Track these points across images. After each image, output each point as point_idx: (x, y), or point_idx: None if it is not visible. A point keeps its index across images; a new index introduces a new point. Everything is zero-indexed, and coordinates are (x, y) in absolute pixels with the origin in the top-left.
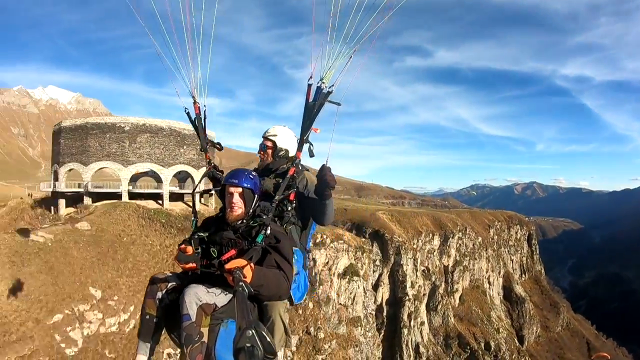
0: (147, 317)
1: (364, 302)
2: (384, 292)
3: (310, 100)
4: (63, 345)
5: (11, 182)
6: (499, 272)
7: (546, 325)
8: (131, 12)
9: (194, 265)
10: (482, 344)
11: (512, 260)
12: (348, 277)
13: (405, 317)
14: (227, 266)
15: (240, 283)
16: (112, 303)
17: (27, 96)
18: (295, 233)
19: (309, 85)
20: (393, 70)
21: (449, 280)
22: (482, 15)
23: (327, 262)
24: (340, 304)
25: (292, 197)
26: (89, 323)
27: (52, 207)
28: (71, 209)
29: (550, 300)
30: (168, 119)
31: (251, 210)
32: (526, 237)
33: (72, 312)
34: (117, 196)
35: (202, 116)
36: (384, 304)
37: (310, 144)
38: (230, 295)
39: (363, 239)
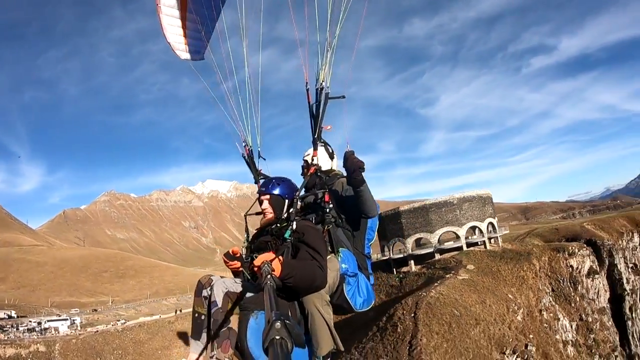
0: (196, 315)
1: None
2: (605, 292)
3: (312, 102)
4: None
5: (197, 268)
6: None
7: None
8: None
9: (238, 264)
10: None
11: None
12: (592, 276)
13: (627, 310)
14: (255, 261)
15: (268, 275)
16: None
17: (190, 192)
18: (345, 236)
19: (307, 90)
20: (523, 77)
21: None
22: None
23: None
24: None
25: (327, 198)
26: None
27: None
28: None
29: None
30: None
31: (284, 214)
32: None
33: None
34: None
35: (255, 155)
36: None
37: (326, 143)
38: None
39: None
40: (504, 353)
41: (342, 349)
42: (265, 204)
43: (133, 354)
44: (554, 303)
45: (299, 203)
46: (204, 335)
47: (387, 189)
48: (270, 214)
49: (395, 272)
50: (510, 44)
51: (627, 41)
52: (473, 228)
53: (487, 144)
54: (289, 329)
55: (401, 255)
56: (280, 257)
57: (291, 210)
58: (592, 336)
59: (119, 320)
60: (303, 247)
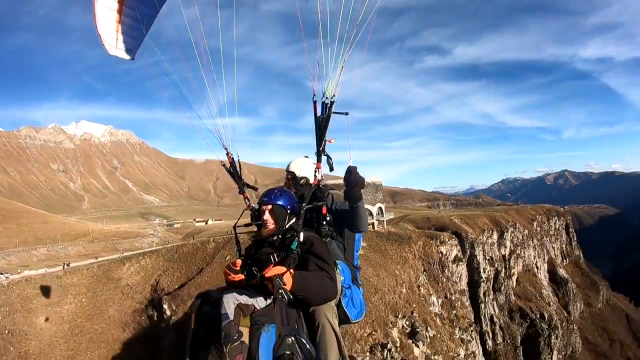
0: (194, 330)
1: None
2: (465, 277)
3: (319, 114)
4: None
5: (65, 216)
6: (544, 259)
7: (588, 302)
8: (154, 42)
9: (242, 276)
10: (538, 315)
11: (554, 248)
12: (456, 262)
13: (481, 295)
14: (267, 274)
15: (280, 290)
16: None
17: (62, 132)
18: (338, 249)
19: (314, 102)
20: (414, 71)
21: (507, 266)
22: (498, 6)
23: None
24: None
25: (324, 210)
26: None
27: None
28: None
29: (590, 280)
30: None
31: (286, 225)
32: (564, 227)
33: None
34: None
35: (237, 165)
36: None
37: (329, 157)
38: (269, 300)
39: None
40: (397, 317)
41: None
42: (267, 215)
43: (22, 311)
44: (427, 281)
45: (302, 212)
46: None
47: (264, 154)
48: (271, 225)
49: None
50: (409, 38)
51: (514, 62)
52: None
53: (369, 127)
54: (300, 345)
55: None
56: (292, 271)
57: (299, 221)
58: (454, 312)
59: (2, 274)
60: (311, 259)
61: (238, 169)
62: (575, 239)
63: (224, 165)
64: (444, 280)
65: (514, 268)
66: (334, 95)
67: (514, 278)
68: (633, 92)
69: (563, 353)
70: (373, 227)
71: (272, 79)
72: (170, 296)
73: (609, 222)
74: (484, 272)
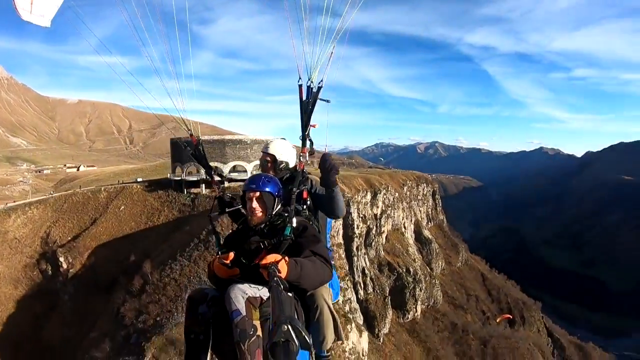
0: (192, 336)
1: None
2: (341, 232)
3: (304, 98)
4: None
5: None
6: (411, 220)
7: (449, 261)
8: None
9: (237, 270)
10: (404, 269)
11: (421, 211)
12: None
13: (355, 249)
14: (262, 262)
15: (275, 278)
16: None
17: None
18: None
19: (300, 86)
20: (303, 29)
21: (378, 224)
22: None
23: None
24: None
25: (305, 195)
26: None
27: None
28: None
29: (452, 242)
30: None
31: (273, 212)
32: (431, 193)
33: None
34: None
35: (201, 148)
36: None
37: (311, 141)
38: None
39: None
40: None
41: (344, 340)
42: (255, 203)
43: None
44: None
45: (293, 197)
46: (205, 358)
47: (143, 98)
48: (260, 213)
49: (185, 192)
50: None
51: (403, 36)
52: (256, 165)
53: (252, 78)
54: (296, 331)
55: (195, 179)
56: (286, 258)
57: (292, 206)
58: (333, 262)
59: None
60: (305, 244)
61: (202, 152)
62: (440, 204)
63: (187, 148)
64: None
65: (384, 226)
66: (321, 81)
67: (384, 235)
68: (509, 81)
69: (426, 304)
70: None
71: (157, 19)
72: (64, 248)
73: (471, 193)
74: (357, 228)
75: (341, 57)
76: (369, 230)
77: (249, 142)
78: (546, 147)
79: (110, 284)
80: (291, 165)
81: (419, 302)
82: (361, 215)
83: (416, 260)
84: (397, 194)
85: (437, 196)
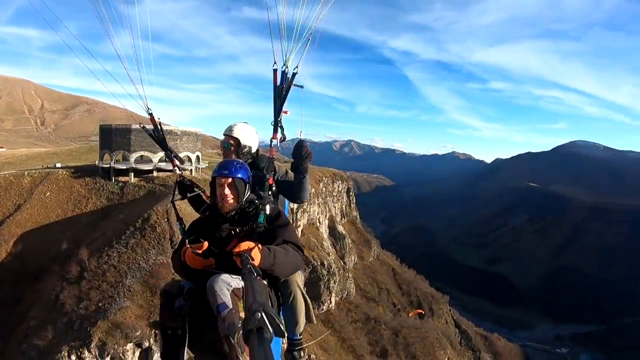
0: (169, 332)
1: None
2: None
3: (278, 84)
4: None
5: None
6: (326, 215)
7: (362, 256)
8: None
9: (212, 261)
10: (319, 262)
11: (335, 207)
12: None
13: None
14: (236, 250)
15: (248, 265)
16: None
17: None
18: None
19: (275, 71)
20: (228, 19)
21: (294, 218)
22: None
23: None
24: None
25: (271, 181)
26: None
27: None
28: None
29: (364, 238)
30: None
31: (244, 199)
32: (346, 190)
33: None
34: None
35: (160, 128)
36: None
37: (282, 128)
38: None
39: None
40: None
41: (315, 322)
42: (227, 189)
43: None
44: None
45: (267, 184)
46: (184, 353)
47: (55, 75)
48: (231, 200)
49: (113, 180)
50: None
51: (327, 34)
52: (185, 156)
53: (169, 63)
54: (270, 319)
55: (123, 167)
56: (260, 246)
57: (268, 192)
58: None
59: None
60: (277, 231)
61: (162, 132)
62: (354, 201)
63: (144, 128)
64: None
65: (300, 221)
66: (296, 67)
67: (300, 229)
68: (427, 87)
69: (340, 296)
70: (191, 173)
71: None
72: None
73: (384, 192)
74: None
75: (317, 43)
76: None
77: (179, 133)
78: (458, 152)
79: (40, 272)
80: (253, 150)
81: (333, 294)
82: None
83: (330, 254)
84: (313, 190)
85: (351, 193)
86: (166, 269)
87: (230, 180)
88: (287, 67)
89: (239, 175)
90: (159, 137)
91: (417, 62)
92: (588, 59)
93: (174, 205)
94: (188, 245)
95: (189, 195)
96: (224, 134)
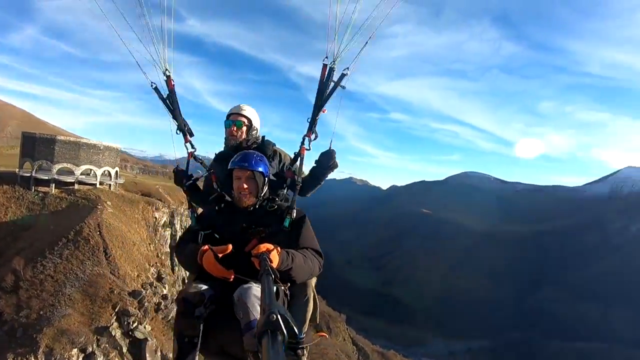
0: (186, 339)
1: None
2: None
3: (324, 79)
4: None
5: None
6: None
7: None
8: None
9: (232, 274)
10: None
11: None
12: (164, 228)
13: (175, 259)
14: (254, 251)
15: (266, 267)
16: None
17: None
18: None
19: (325, 65)
20: (140, 25)
21: None
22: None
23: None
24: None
25: (290, 175)
26: None
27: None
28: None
29: None
30: None
31: (262, 194)
32: None
33: None
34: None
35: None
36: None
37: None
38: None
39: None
40: (151, 265)
41: (318, 321)
42: (245, 182)
43: None
44: (146, 240)
45: (298, 187)
46: (196, 358)
47: None
48: (251, 195)
49: (33, 190)
50: None
51: (237, 52)
52: (105, 171)
53: (75, 66)
54: (284, 322)
55: (45, 177)
56: (279, 249)
57: (294, 196)
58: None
59: None
60: (300, 235)
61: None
62: None
63: (156, 90)
64: (156, 242)
65: None
66: (347, 69)
67: None
68: (328, 114)
69: None
70: (110, 188)
71: None
72: None
73: None
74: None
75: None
76: None
77: (102, 147)
78: (355, 178)
79: None
80: (258, 133)
81: None
82: (183, 227)
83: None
84: None
85: None
86: (104, 279)
87: (249, 173)
88: (335, 64)
89: (260, 169)
90: (173, 104)
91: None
92: (484, 98)
93: (185, 191)
94: (208, 247)
95: (186, 183)
96: (232, 112)
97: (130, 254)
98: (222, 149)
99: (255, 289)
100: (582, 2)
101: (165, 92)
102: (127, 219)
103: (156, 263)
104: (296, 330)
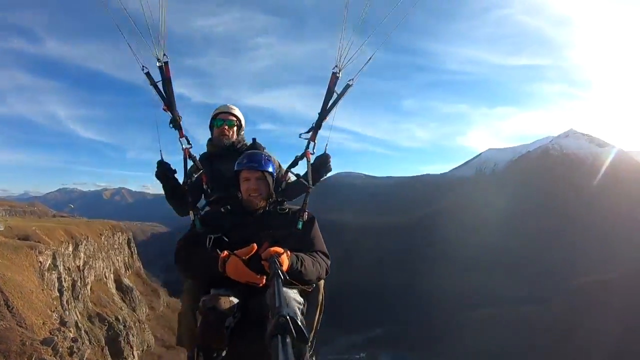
0: (215, 354)
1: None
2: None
3: (332, 86)
4: None
5: None
6: (111, 270)
7: (152, 306)
8: None
9: (264, 279)
10: (114, 318)
11: (118, 260)
12: (49, 271)
13: (65, 303)
14: (264, 254)
15: (277, 270)
16: None
17: None
18: None
19: (333, 74)
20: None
21: (82, 276)
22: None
23: None
24: None
25: (284, 178)
26: None
27: None
28: None
29: (151, 288)
30: None
31: (272, 196)
32: (126, 241)
33: None
34: None
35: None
36: None
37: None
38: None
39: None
40: (52, 311)
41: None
42: (256, 183)
43: None
44: (39, 286)
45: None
46: None
47: None
48: (260, 197)
49: None
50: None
51: (100, 74)
52: None
53: None
54: (294, 325)
55: None
56: (289, 252)
57: (307, 199)
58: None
59: None
60: (310, 238)
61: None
62: (136, 252)
63: (148, 75)
64: (44, 286)
65: (88, 278)
66: (351, 80)
67: (89, 287)
68: (197, 131)
69: (141, 348)
70: None
71: None
72: None
73: (160, 239)
74: (65, 281)
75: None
76: (74, 282)
77: None
78: None
79: None
80: (243, 133)
81: (134, 348)
82: (66, 268)
83: (123, 308)
84: (96, 244)
85: (132, 244)
86: (12, 333)
87: (259, 174)
88: (339, 71)
89: (270, 169)
90: (168, 93)
91: (189, 106)
92: (350, 101)
93: (188, 189)
94: (228, 252)
95: (167, 177)
96: (221, 112)
97: (31, 302)
98: (206, 151)
99: (294, 293)
100: (440, 6)
101: (158, 80)
102: (17, 267)
103: (56, 307)
104: (306, 333)
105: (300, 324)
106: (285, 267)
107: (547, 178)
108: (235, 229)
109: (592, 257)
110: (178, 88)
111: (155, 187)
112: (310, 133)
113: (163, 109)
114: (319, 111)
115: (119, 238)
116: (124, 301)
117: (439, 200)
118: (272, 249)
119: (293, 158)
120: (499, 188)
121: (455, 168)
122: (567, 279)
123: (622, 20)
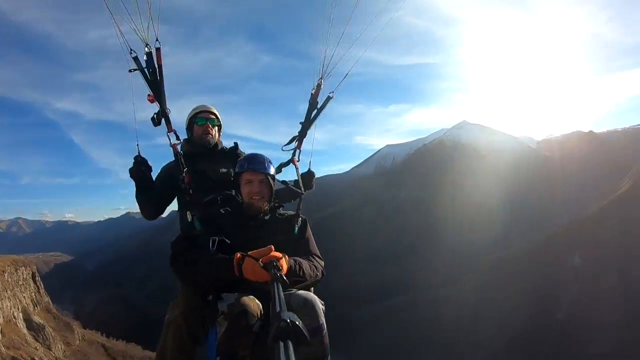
0: None
1: None
2: None
3: (315, 97)
4: None
5: None
6: (19, 308)
7: (67, 342)
8: None
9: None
10: (30, 359)
11: (25, 297)
12: None
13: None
14: (264, 259)
15: (278, 275)
16: None
17: None
18: None
19: (318, 85)
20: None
21: None
22: None
23: None
24: None
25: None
26: None
27: None
28: None
29: (64, 322)
30: None
31: (272, 200)
32: (31, 276)
33: None
34: None
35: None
36: None
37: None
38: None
39: None
40: None
41: None
42: (260, 186)
43: None
44: None
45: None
46: None
47: None
48: (264, 200)
49: None
50: None
51: None
52: None
53: None
54: (295, 329)
55: None
56: (287, 257)
57: (301, 203)
58: None
59: None
60: (304, 241)
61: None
62: (42, 286)
63: (136, 60)
64: None
65: None
66: (332, 92)
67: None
68: (93, 149)
69: None
70: None
71: None
72: None
73: (64, 269)
74: None
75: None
76: None
77: None
78: (133, 212)
79: None
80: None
81: None
82: None
83: (37, 348)
84: (0, 283)
85: (37, 278)
86: None
87: (262, 177)
88: (322, 81)
89: (272, 173)
90: (157, 82)
91: (82, 123)
92: (247, 108)
93: (185, 188)
94: (242, 254)
95: (143, 177)
96: (202, 111)
97: None
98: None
99: (311, 293)
100: (333, 11)
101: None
102: None
103: None
104: (306, 337)
105: (301, 327)
106: (284, 271)
107: (444, 168)
108: (236, 231)
109: (489, 238)
110: (71, 105)
111: (54, 213)
112: (295, 142)
113: (148, 99)
114: (302, 121)
115: (22, 273)
116: (37, 340)
117: (341, 200)
118: (272, 254)
119: None
120: (399, 181)
121: (356, 167)
122: (472, 260)
123: (503, 20)
